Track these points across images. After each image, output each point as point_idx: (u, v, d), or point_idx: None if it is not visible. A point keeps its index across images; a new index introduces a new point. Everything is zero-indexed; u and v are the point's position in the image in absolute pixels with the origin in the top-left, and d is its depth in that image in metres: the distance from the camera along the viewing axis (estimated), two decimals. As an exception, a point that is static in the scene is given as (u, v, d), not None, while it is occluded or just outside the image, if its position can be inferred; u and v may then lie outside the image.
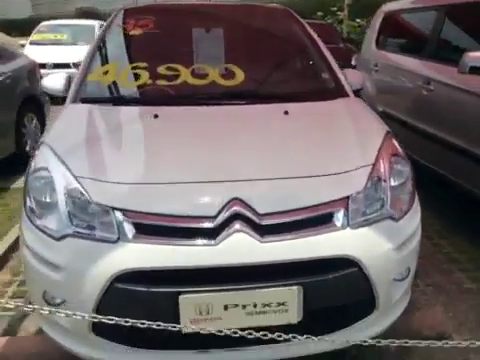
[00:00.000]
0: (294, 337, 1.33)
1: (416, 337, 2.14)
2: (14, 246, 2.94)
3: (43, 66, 7.31)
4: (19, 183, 4.09)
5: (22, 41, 10.19)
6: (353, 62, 8.80)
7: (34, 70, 4.91)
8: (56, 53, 8.72)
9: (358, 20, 14.57)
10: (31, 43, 9.41)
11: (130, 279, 1.50)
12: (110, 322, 1.31)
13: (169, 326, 1.28)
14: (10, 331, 2.19)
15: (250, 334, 1.31)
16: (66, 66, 8.40)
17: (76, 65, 8.51)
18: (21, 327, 2.23)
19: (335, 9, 15.02)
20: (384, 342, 1.34)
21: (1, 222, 3.30)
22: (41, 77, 5.00)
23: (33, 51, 7.74)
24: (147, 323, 1.28)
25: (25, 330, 2.21)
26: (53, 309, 1.38)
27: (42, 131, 4.89)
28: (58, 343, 1.73)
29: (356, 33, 13.30)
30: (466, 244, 3.00)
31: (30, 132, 4.59)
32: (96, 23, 10.28)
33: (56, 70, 8.00)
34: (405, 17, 4.49)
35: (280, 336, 1.32)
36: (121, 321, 1.28)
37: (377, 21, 4.83)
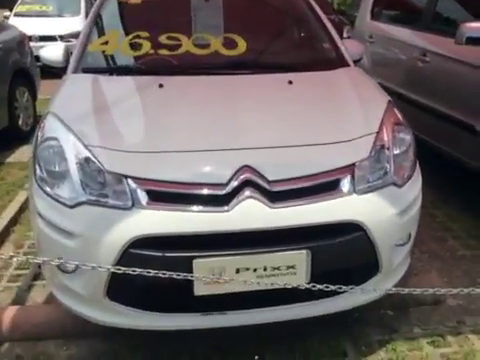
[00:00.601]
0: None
1: (413, 302, 2.25)
2: (15, 219, 2.95)
3: (29, 38, 7.12)
4: (13, 157, 4.07)
5: (6, 12, 9.85)
6: (345, 34, 8.77)
7: (24, 42, 4.80)
8: (42, 25, 8.48)
9: (349, -8, 14.39)
10: (15, 15, 9.11)
11: (144, 245, 1.53)
12: (133, 273, 1.35)
13: (188, 276, 1.32)
14: (18, 302, 2.22)
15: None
16: (52, 39, 8.22)
17: (62, 37, 8.32)
18: (29, 298, 2.26)
19: (326, -20, 14.78)
20: (407, 290, 1.40)
21: (-1, 196, 3.29)
22: (31, 50, 4.90)
23: (18, 23, 7.49)
24: (168, 274, 1.32)
25: (32, 300, 2.24)
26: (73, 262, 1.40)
27: (34, 105, 4.82)
28: (70, 309, 1.77)
29: (347, 5, 13.15)
30: (459, 213, 3.09)
31: (22, 106, 4.51)
32: (82, -6, 9.96)
33: (42, 43, 7.80)
34: (401, -12, 4.47)
35: (288, 285, 1.38)
36: (144, 272, 1.32)
37: (372, -8, 4.79)
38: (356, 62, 2.63)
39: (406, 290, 1.45)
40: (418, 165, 1.98)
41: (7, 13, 9.60)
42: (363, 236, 1.66)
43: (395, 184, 1.78)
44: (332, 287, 1.39)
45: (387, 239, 1.74)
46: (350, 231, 1.65)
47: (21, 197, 3.13)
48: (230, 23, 2.65)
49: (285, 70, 2.29)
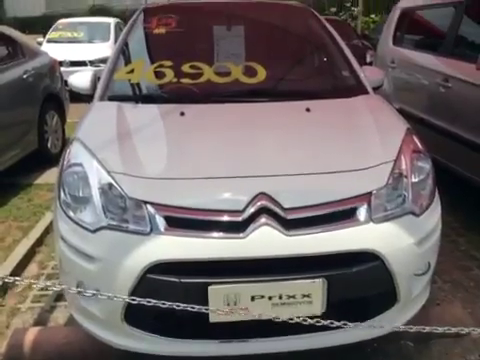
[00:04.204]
0: (318, 321, 1.38)
1: (435, 333, 2.19)
2: (41, 240, 3.04)
3: (60, 64, 7.44)
4: (42, 179, 4.20)
5: (39, 39, 10.32)
6: (368, 59, 8.78)
7: (55, 68, 5.01)
8: (73, 51, 8.83)
9: (373, 15, 14.49)
10: (48, 41, 9.54)
11: (161, 270, 1.57)
12: (148, 304, 1.38)
13: (202, 309, 1.34)
14: (40, 322, 2.28)
15: (277, 318, 1.36)
16: (82, 64, 8.53)
17: (92, 63, 8.64)
18: (51, 319, 2.32)
19: (349, 4, 14.96)
20: (415, 328, 1.38)
21: (27, 217, 3.39)
22: (61, 75, 5.12)
23: (50, 49, 7.84)
24: (182, 305, 1.35)
25: (55, 321, 2.30)
26: (91, 291, 1.44)
27: (63, 128, 5.00)
28: (90, 332, 1.81)
29: (370, 29, 13.22)
30: (483, 241, 3.02)
31: (51, 129, 4.69)
32: (111, 21, 10.37)
33: (73, 68, 8.12)
34: (422, 13, 4.49)
35: (305, 320, 1.37)
36: (158, 303, 1.34)
37: (394, 18, 4.83)
38: (376, 89, 2.64)
39: (427, 328, 1.40)
40: (437, 193, 1.96)
41: (40, 39, 10.06)
42: (380, 265, 1.65)
43: (413, 213, 1.77)
44: (337, 323, 1.37)
45: (405, 269, 1.72)
46: (367, 260, 1.64)
47: (47, 218, 3.23)
48: (251, 51, 2.72)
49: (303, 98, 2.32)
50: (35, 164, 4.37)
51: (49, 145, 4.63)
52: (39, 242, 3.03)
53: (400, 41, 4.63)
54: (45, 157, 4.53)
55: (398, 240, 1.69)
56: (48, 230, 3.11)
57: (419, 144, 2.02)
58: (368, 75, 2.64)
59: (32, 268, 2.80)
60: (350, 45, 7.81)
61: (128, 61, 2.66)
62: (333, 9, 15.49)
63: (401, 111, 3.97)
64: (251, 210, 1.60)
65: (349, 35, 9.27)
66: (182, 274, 1.56)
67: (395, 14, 4.82)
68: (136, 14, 2.98)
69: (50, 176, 4.13)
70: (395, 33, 4.73)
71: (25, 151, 4.21)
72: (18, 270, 2.71)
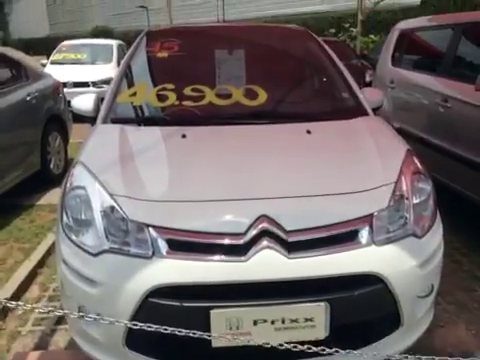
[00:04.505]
0: (323, 350, 1.37)
1: (439, 355, 2.17)
2: (42, 262, 3.03)
3: (63, 85, 7.54)
4: (44, 199, 4.21)
5: (43, 60, 10.48)
6: (367, 78, 8.88)
7: (58, 89, 5.08)
8: (76, 72, 8.96)
9: (371, 36, 14.70)
10: (52, 63, 9.68)
11: (163, 294, 1.56)
12: (149, 329, 1.37)
13: (204, 335, 1.33)
14: (41, 346, 2.26)
15: (281, 345, 1.35)
16: (85, 85, 8.64)
17: (95, 84, 8.76)
18: (51, 342, 2.30)
19: (348, 25, 15.20)
20: (411, 358, 1.37)
21: (28, 238, 3.39)
22: (64, 96, 5.18)
23: (54, 70, 7.96)
24: (184, 331, 1.34)
25: (55, 345, 2.28)
26: (92, 316, 1.44)
27: (65, 148, 5.04)
28: (91, 356, 1.79)
29: (370, 49, 13.40)
30: (487, 261, 3.00)
31: (54, 150, 4.72)
32: (114, 42, 10.55)
33: (76, 89, 8.24)
34: (421, 35, 4.56)
35: (310, 348, 1.36)
36: (160, 328, 1.34)
37: (392, 39, 4.90)
38: (376, 110, 2.67)
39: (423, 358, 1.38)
40: (439, 215, 1.96)
41: (44, 61, 10.21)
42: (383, 288, 1.65)
43: (415, 235, 1.77)
44: (342, 352, 1.36)
45: (408, 291, 1.71)
46: (370, 283, 1.63)
47: (49, 240, 3.23)
48: (251, 74, 2.76)
49: (304, 120, 2.35)
50: (37, 185, 4.38)
51: (52, 166, 4.66)
52: (41, 263, 3.02)
53: (399, 62, 4.69)
54: (47, 178, 4.55)
55: (401, 262, 1.69)
56: (50, 251, 3.10)
57: (419, 165, 2.03)
58: (368, 96, 2.67)
59: (34, 290, 2.79)
60: (349, 65, 7.94)
61: (131, 84, 2.70)
62: (332, 30, 15.73)
63: (401, 130, 4.02)
64: (253, 233, 1.60)
65: (348, 55, 9.39)
66: (184, 298, 1.55)
67: (393, 35, 4.90)
68: (139, 37, 3.04)
69: (52, 197, 4.15)
70: (394, 54, 4.79)
71: (28, 172, 4.23)
72: (19, 292, 2.70)
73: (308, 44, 3.08)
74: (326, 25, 16.63)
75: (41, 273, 2.95)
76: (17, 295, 2.66)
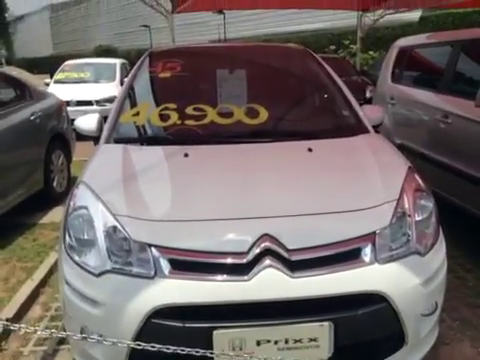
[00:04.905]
0: None
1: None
2: (45, 281, 3.03)
3: (67, 103, 7.63)
4: (47, 218, 4.22)
5: (47, 79, 10.60)
6: (368, 94, 8.96)
7: (61, 108, 5.13)
8: (79, 91, 9.04)
9: (371, 52, 14.87)
10: (55, 82, 9.79)
11: (165, 314, 1.56)
12: (152, 349, 1.36)
13: (207, 353, 1.32)
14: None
15: None
16: (88, 103, 8.72)
17: (98, 102, 8.84)
18: (53, 363, 2.29)
19: (347, 42, 15.39)
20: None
21: (31, 258, 3.38)
22: (68, 115, 5.24)
23: (57, 89, 8.05)
24: (186, 350, 1.33)
25: (57, 365, 2.26)
26: (95, 337, 1.43)
27: (68, 167, 5.07)
28: (93, 378, 1.77)
29: (369, 65, 13.53)
30: (492, 277, 2.98)
31: (57, 168, 4.75)
32: (117, 61, 10.67)
33: (79, 107, 8.32)
34: (420, 52, 4.61)
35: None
36: (163, 348, 1.33)
37: (392, 55, 4.95)
38: (376, 127, 2.69)
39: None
40: (441, 231, 1.96)
41: (48, 80, 10.34)
42: (387, 307, 1.64)
43: (418, 253, 1.77)
44: None
45: (412, 309, 1.70)
46: (373, 302, 1.63)
47: (51, 259, 3.22)
48: (252, 93, 2.79)
49: (305, 137, 2.36)
50: (40, 203, 4.39)
51: (55, 184, 4.67)
52: (43, 283, 3.01)
53: (399, 78, 4.74)
54: (50, 196, 4.57)
55: (404, 281, 1.68)
56: (52, 270, 3.09)
57: (421, 183, 2.03)
58: (368, 113, 2.69)
59: (36, 309, 2.77)
60: (350, 81, 8.00)
61: (134, 104, 2.73)
62: (332, 47, 15.93)
63: (402, 146, 4.05)
64: (255, 251, 1.60)
65: (349, 71, 9.50)
66: (186, 318, 1.55)
67: (393, 52, 4.95)
68: (142, 58, 3.09)
69: (55, 215, 4.16)
70: (394, 70, 4.84)
71: (31, 191, 4.24)
72: (22, 312, 2.69)
73: (308, 62, 3.12)
74: (326, 42, 16.83)
75: (43, 292, 2.94)
76: (19, 315, 2.65)
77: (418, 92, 4.21)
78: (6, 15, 40.34)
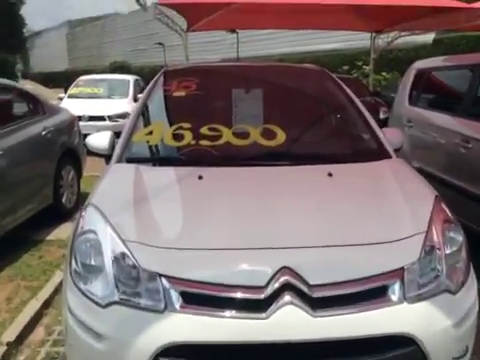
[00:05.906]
0: None
1: None
2: (49, 302, 2.92)
3: (79, 118, 7.63)
4: (54, 235, 4.13)
5: (61, 94, 10.68)
6: (381, 115, 8.86)
7: (73, 124, 5.10)
8: (92, 106, 9.07)
9: (384, 73, 14.80)
10: (69, 96, 9.85)
11: (175, 353, 1.44)
12: None
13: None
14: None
15: None
16: (101, 119, 8.74)
17: (110, 118, 8.85)
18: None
19: (360, 63, 15.35)
20: None
21: (36, 276, 3.29)
22: (80, 130, 5.20)
23: (70, 104, 8.08)
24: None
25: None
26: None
27: (78, 183, 5.01)
28: None
29: (382, 86, 13.45)
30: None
31: (67, 184, 4.69)
32: (131, 78, 10.73)
33: (91, 122, 8.33)
34: (438, 75, 4.52)
35: None
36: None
37: (409, 78, 4.87)
38: (396, 151, 2.57)
39: None
40: (472, 267, 1.83)
41: (62, 95, 10.41)
42: (416, 350, 1.51)
43: (449, 291, 1.64)
44: None
45: (443, 353, 1.57)
46: (402, 344, 1.50)
47: (57, 278, 3.12)
48: (269, 113, 2.70)
49: (324, 161, 2.26)
50: (48, 219, 4.32)
51: (64, 200, 4.61)
52: (47, 304, 2.91)
53: (416, 101, 4.64)
54: (59, 212, 4.50)
55: (435, 322, 1.56)
56: (57, 290, 2.99)
57: (449, 213, 1.91)
58: (388, 137, 2.58)
59: (39, 332, 2.67)
60: (363, 102, 7.90)
61: (147, 123, 2.66)
62: (345, 67, 15.90)
63: (419, 170, 3.92)
64: (275, 286, 1.48)
65: (362, 92, 9.41)
66: (198, 358, 1.43)
67: (410, 74, 4.87)
68: (156, 76, 3.02)
69: (62, 232, 4.08)
70: (411, 93, 4.75)
71: (40, 206, 4.18)
72: (24, 334, 2.58)
73: (326, 83, 3.04)
74: (339, 62, 16.83)
75: (47, 314, 2.84)
76: (21, 337, 2.55)
77: (436, 115, 4.11)
78: (24, 31, 41.27)
